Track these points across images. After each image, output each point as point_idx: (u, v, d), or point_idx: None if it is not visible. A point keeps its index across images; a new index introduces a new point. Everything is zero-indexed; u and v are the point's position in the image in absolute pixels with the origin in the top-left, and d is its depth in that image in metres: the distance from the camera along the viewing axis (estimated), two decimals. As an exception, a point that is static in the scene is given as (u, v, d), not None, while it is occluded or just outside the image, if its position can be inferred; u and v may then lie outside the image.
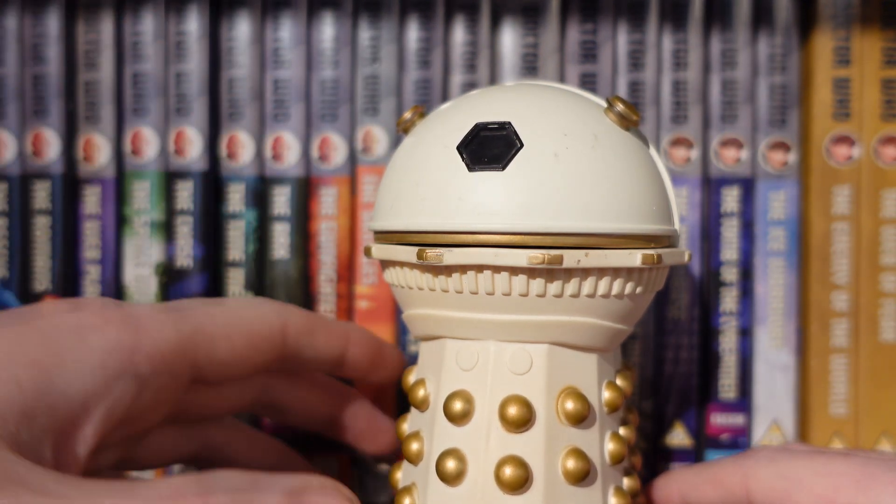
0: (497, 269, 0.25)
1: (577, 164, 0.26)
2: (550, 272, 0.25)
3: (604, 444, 0.27)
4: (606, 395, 0.28)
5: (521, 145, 0.26)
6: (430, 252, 0.25)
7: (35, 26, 0.37)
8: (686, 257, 0.28)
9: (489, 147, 0.26)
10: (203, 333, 0.27)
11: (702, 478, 0.29)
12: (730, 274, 0.38)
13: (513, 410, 0.26)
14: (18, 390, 0.22)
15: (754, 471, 0.28)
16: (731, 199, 0.38)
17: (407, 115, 0.29)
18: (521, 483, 0.26)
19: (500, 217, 0.25)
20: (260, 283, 0.38)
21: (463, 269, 0.26)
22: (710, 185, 0.38)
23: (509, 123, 0.26)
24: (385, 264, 0.29)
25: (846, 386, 0.38)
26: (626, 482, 0.28)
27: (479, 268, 0.26)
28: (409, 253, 0.26)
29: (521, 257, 0.25)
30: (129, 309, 0.26)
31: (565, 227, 0.25)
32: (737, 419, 0.38)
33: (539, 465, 0.26)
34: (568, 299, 0.26)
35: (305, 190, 0.38)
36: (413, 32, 0.38)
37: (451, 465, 0.26)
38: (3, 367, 0.22)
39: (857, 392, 0.38)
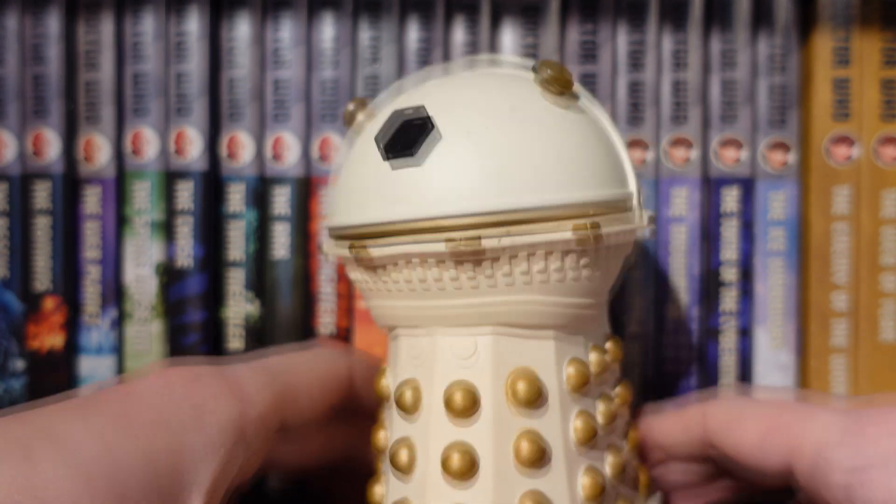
0: (422, 257, 0.25)
1: (491, 139, 0.25)
2: (476, 254, 0.24)
3: (568, 424, 0.26)
4: (570, 371, 0.26)
5: (432, 127, 0.25)
6: (357, 244, 0.25)
7: (35, 26, 0.37)
8: (643, 220, 0.27)
9: (403, 135, 0.25)
10: (289, 387, 0.28)
11: (669, 418, 0.30)
12: (730, 274, 0.38)
13: (457, 397, 0.25)
14: (155, 479, 0.24)
15: (712, 407, 0.29)
16: (730, 199, 0.38)
17: (350, 106, 0.28)
18: (467, 471, 0.25)
19: (417, 206, 0.25)
20: (260, 283, 0.38)
21: (392, 259, 0.25)
22: (710, 185, 0.38)
23: (423, 107, 0.25)
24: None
25: (846, 386, 0.38)
26: (610, 458, 0.27)
27: (406, 257, 0.25)
28: (342, 247, 0.26)
29: (438, 245, 0.24)
30: (232, 376, 0.27)
31: (482, 207, 0.24)
32: (736, 419, 0.38)
33: (487, 452, 0.25)
34: (502, 280, 0.25)
35: (306, 190, 0.38)
36: (413, 33, 0.38)
37: (403, 454, 0.26)
38: (142, 462, 0.24)
39: (857, 392, 0.38)
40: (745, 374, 0.38)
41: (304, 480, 0.36)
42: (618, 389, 0.29)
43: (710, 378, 0.38)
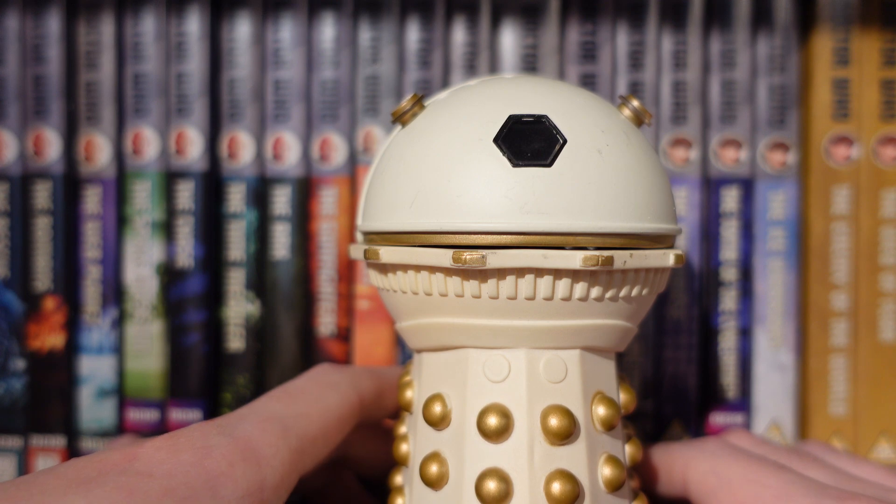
0: (540, 272, 0.24)
1: (618, 161, 0.24)
2: (594, 274, 0.24)
3: (624, 448, 0.26)
4: (623, 397, 0.27)
5: (564, 140, 0.24)
6: (470, 254, 0.23)
7: (36, 26, 0.37)
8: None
9: (528, 141, 0.24)
10: (306, 440, 0.27)
11: (653, 459, 0.30)
12: (729, 274, 0.38)
13: (555, 422, 0.24)
14: None
15: (695, 462, 0.29)
16: (730, 199, 0.38)
17: (406, 104, 0.27)
18: (573, 499, 0.24)
19: (550, 216, 0.23)
20: (260, 283, 0.38)
21: (502, 272, 0.24)
22: (710, 186, 0.38)
23: (546, 117, 0.24)
24: (390, 268, 0.26)
25: (845, 386, 0.38)
26: (634, 484, 0.28)
27: (521, 271, 0.24)
28: (438, 256, 0.24)
29: (574, 259, 0.23)
30: (244, 438, 0.26)
31: (615, 228, 0.24)
32: (736, 419, 0.38)
33: (584, 476, 0.25)
34: (606, 302, 0.25)
35: (306, 190, 0.38)
36: (413, 33, 0.38)
37: (492, 486, 0.24)
38: None
39: (857, 392, 0.38)
40: (744, 373, 0.38)
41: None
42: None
43: (710, 378, 0.38)
